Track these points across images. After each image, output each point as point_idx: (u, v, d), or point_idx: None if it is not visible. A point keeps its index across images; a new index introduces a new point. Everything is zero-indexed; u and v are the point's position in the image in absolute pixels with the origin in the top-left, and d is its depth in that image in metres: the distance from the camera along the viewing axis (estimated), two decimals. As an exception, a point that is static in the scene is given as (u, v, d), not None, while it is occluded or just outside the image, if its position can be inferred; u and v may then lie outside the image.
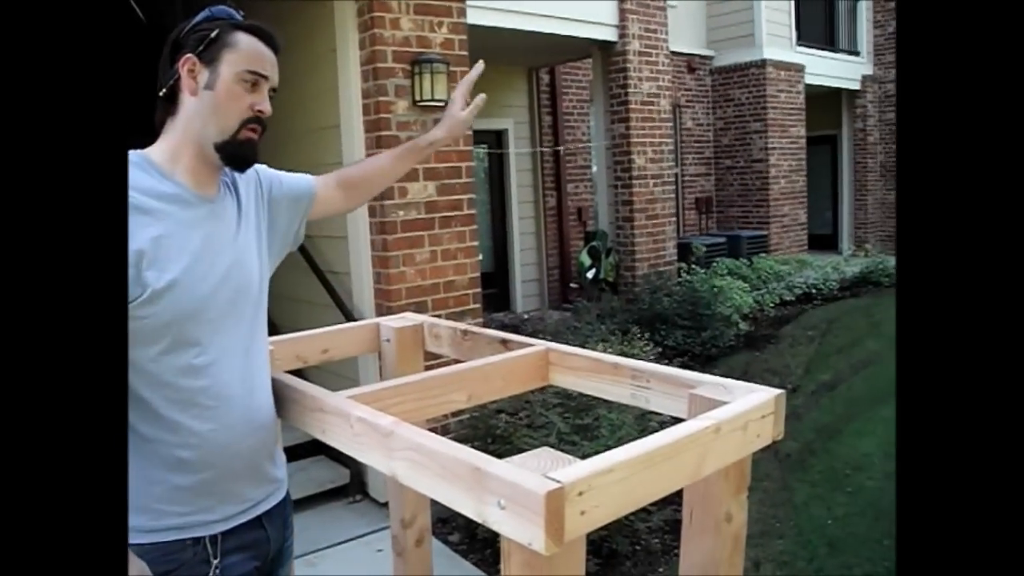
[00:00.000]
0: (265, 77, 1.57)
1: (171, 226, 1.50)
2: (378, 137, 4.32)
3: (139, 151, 1.58)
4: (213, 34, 1.54)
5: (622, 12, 7.64)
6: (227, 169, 1.69)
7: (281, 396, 1.69)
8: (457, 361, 1.97)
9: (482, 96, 1.99)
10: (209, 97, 1.54)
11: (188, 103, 1.55)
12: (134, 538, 1.49)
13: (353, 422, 1.45)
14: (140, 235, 1.44)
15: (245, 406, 1.58)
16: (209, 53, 1.54)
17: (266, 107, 1.58)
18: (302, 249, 4.82)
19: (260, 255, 1.70)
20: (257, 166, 1.80)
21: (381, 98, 4.31)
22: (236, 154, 1.57)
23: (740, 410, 1.41)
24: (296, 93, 4.89)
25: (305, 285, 4.84)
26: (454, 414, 4.07)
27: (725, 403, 1.45)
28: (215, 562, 1.55)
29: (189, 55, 1.54)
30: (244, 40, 1.56)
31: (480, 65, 2.02)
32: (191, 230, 1.53)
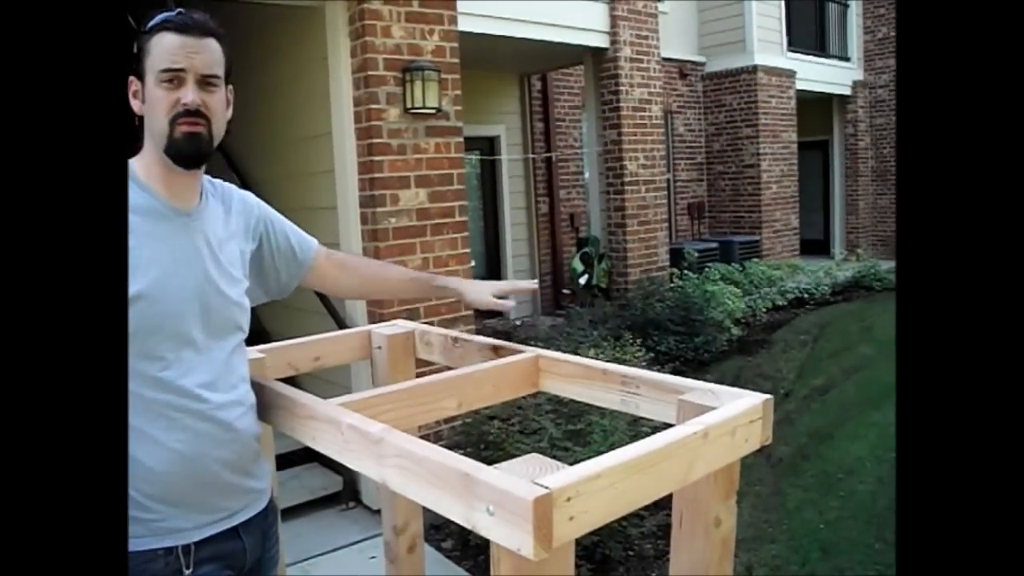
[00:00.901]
0: (181, 69, 1.52)
1: (140, 239, 1.50)
2: (369, 145, 4.33)
3: None
4: (136, 49, 1.54)
5: (613, 19, 7.67)
6: (221, 188, 1.72)
7: (272, 404, 1.69)
8: (448, 368, 1.98)
9: (529, 288, 1.99)
10: (146, 109, 1.56)
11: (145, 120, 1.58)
12: None
13: (344, 429, 1.45)
14: None
15: (215, 419, 1.56)
16: (139, 69, 1.55)
17: (190, 98, 1.52)
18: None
19: (239, 278, 1.69)
20: (260, 203, 1.83)
21: (372, 106, 4.32)
22: (178, 152, 1.54)
23: (728, 415, 1.42)
24: (287, 101, 4.91)
25: (297, 292, 4.81)
26: (446, 420, 4.08)
27: (713, 408, 1.46)
28: (187, 572, 1.53)
29: (131, 77, 1.56)
30: (156, 42, 1.53)
31: (534, 283, 2.03)
32: (161, 243, 1.54)
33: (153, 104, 1.53)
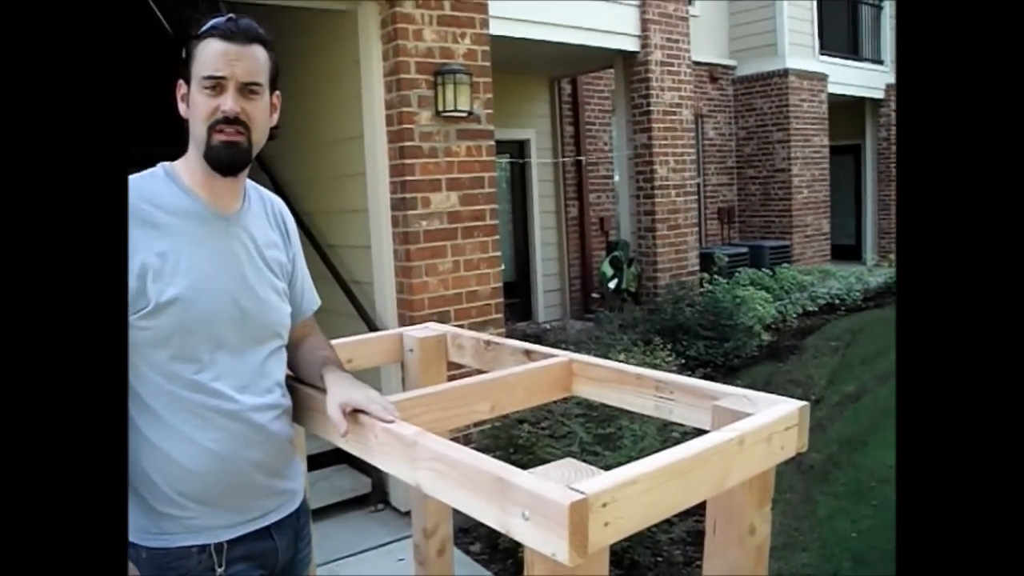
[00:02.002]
0: (223, 77, 1.53)
1: (180, 241, 1.53)
2: (401, 147, 4.34)
3: (168, 163, 1.63)
4: (184, 54, 1.56)
5: (644, 22, 7.65)
6: (268, 198, 1.75)
7: (306, 406, 1.70)
8: (480, 372, 1.98)
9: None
10: (189, 113, 1.57)
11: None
12: (141, 540, 1.52)
13: (377, 432, 1.46)
14: (147, 248, 1.49)
15: (248, 421, 1.58)
16: (187, 73, 1.56)
17: (229, 106, 1.53)
18: (325, 259, 4.87)
19: (278, 284, 1.70)
20: (296, 237, 1.80)
21: (404, 109, 4.33)
22: (215, 159, 1.56)
23: (764, 422, 1.41)
24: (319, 103, 4.95)
25: (328, 294, 4.84)
26: (476, 424, 4.08)
27: (749, 415, 1.45)
28: (219, 570, 1.56)
29: (179, 80, 1.58)
30: (201, 48, 1.54)
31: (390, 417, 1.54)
32: (201, 246, 1.56)
33: (194, 110, 1.55)
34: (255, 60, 1.56)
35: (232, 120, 1.53)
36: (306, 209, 5.15)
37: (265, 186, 1.81)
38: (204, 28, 1.56)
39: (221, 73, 1.52)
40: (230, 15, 1.56)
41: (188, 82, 1.56)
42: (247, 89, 1.55)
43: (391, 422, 1.46)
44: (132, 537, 1.51)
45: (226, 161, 1.56)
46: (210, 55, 1.53)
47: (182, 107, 1.59)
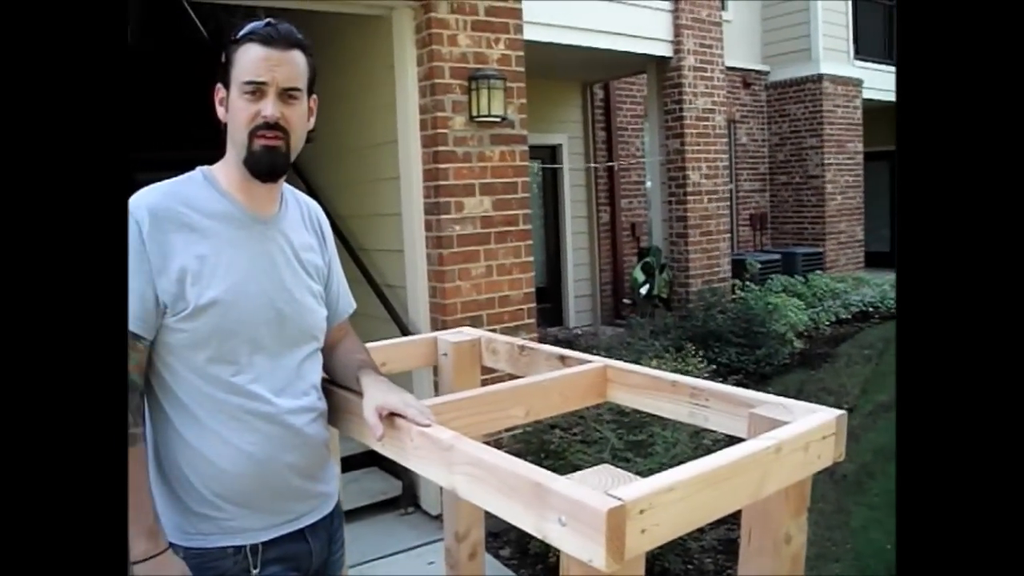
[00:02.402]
0: (263, 83, 1.53)
1: (219, 244, 1.54)
2: (435, 152, 4.36)
3: (205, 167, 1.64)
4: (223, 58, 1.57)
5: (677, 27, 7.63)
6: (305, 202, 1.76)
7: (341, 408, 1.71)
8: (513, 376, 1.98)
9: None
10: (228, 118, 1.58)
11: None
12: (179, 540, 1.54)
13: (413, 435, 1.46)
14: (186, 252, 1.50)
15: (285, 424, 1.59)
16: (226, 78, 1.57)
17: (270, 111, 1.53)
18: (358, 262, 4.90)
19: (315, 287, 1.71)
20: (332, 242, 1.82)
21: (438, 113, 4.35)
22: (255, 165, 1.57)
23: (801, 430, 1.40)
24: (354, 108, 4.99)
25: (361, 298, 4.86)
26: (507, 428, 4.08)
27: (786, 423, 1.44)
28: (255, 572, 1.57)
29: (217, 84, 1.59)
30: (241, 53, 1.55)
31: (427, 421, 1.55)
32: (239, 249, 1.57)
33: (235, 115, 1.56)
34: (295, 65, 1.57)
35: (272, 125, 1.54)
36: (340, 213, 5.19)
37: (299, 189, 1.83)
38: (243, 33, 1.56)
39: (262, 79, 1.53)
40: (269, 20, 1.57)
41: (227, 87, 1.57)
42: (287, 94, 1.56)
43: (427, 426, 1.47)
44: (170, 537, 1.52)
45: (266, 166, 1.57)
46: (250, 60, 1.54)
47: (220, 111, 1.60)
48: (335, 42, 5.09)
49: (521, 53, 4.67)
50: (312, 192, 5.21)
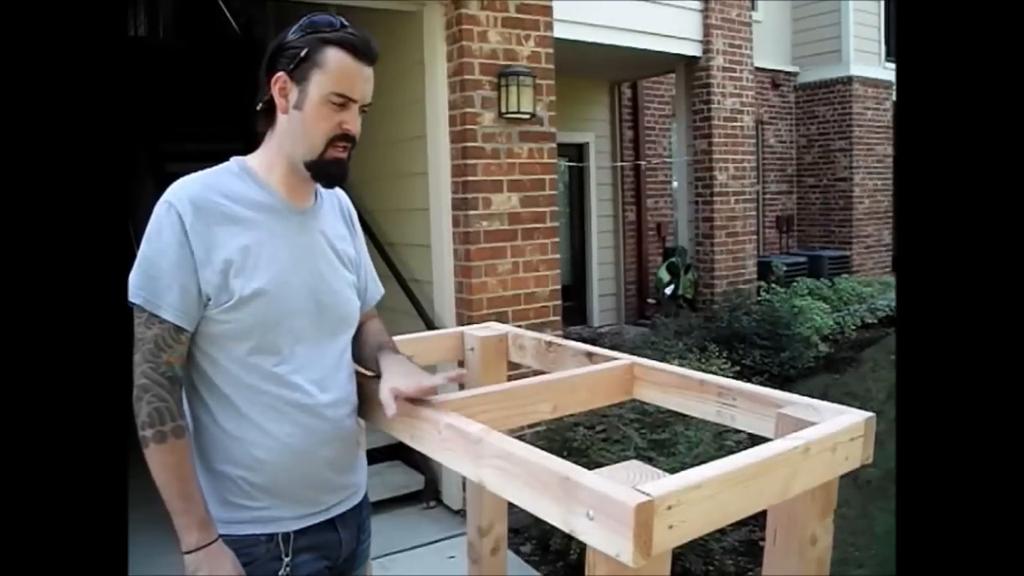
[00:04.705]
0: (354, 100, 1.55)
1: (261, 235, 1.55)
2: (463, 148, 4.38)
3: (240, 158, 1.64)
4: (303, 52, 1.53)
5: (707, 27, 7.60)
6: (339, 195, 1.78)
7: (370, 400, 1.72)
8: (539, 372, 1.98)
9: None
10: (298, 117, 1.55)
11: (281, 120, 1.58)
12: None
13: (442, 428, 1.47)
14: (230, 244, 1.51)
15: (323, 416, 1.60)
16: (299, 72, 1.53)
17: (354, 126, 1.56)
18: (385, 257, 4.92)
19: (350, 276, 1.73)
20: (360, 229, 1.84)
21: (468, 109, 4.36)
22: (324, 172, 1.58)
23: (830, 431, 1.39)
24: (383, 103, 4.93)
25: (388, 292, 4.89)
26: (531, 424, 4.09)
27: (814, 424, 1.44)
28: (286, 560, 1.58)
29: (280, 73, 1.55)
30: (333, 58, 1.52)
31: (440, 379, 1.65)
32: (280, 240, 1.58)
33: (314, 120, 1.54)
34: (372, 82, 1.59)
35: (350, 138, 1.57)
36: (368, 207, 5.21)
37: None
38: (329, 35, 1.54)
39: (355, 96, 1.55)
40: (350, 28, 1.57)
41: (297, 82, 1.54)
42: (363, 109, 1.58)
43: (433, 389, 1.53)
44: None
45: (338, 176, 1.60)
46: (343, 72, 1.53)
47: (280, 102, 1.56)
48: (365, 37, 5.06)
49: (551, 50, 4.67)
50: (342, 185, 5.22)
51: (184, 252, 1.47)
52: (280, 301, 1.54)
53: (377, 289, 1.90)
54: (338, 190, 1.82)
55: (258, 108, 1.61)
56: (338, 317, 1.67)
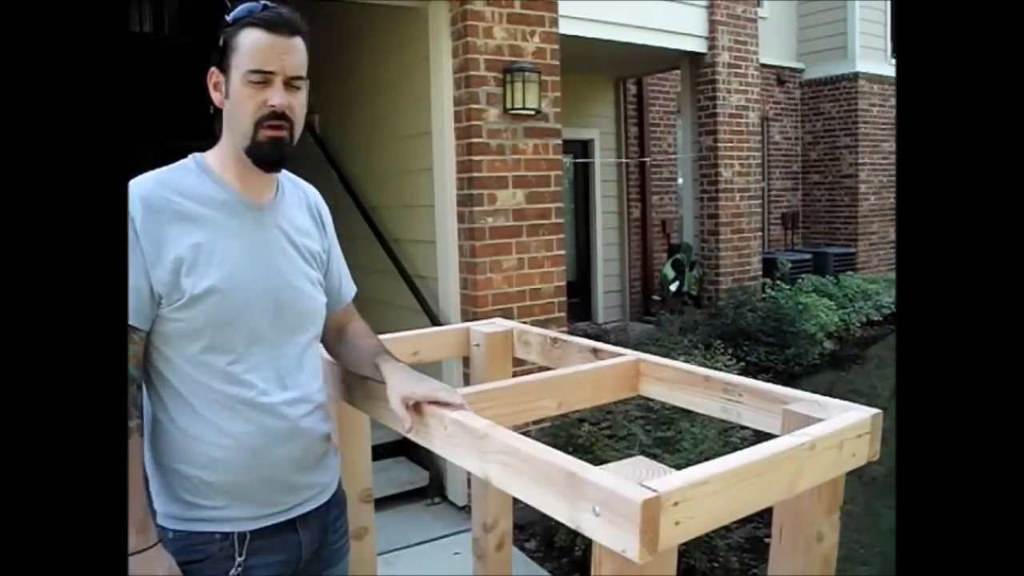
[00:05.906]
0: (272, 72, 1.50)
1: (214, 233, 1.52)
2: (469, 144, 4.37)
3: (198, 155, 1.62)
4: (221, 41, 1.52)
5: (712, 23, 7.57)
6: (303, 188, 1.74)
7: (375, 396, 1.72)
8: (545, 368, 1.98)
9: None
10: (228, 105, 1.55)
11: (223, 113, 1.58)
12: (167, 523, 1.54)
13: (447, 424, 1.47)
14: (181, 242, 1.48)
15: (280, 415, 1.57)
16: (224, 62, 1.53)
17: (279, 100, 1.50)
18: (390, 253, 4.92)
19: (313, 274, 1.69)
20: (332, 228, 1.81)
21: (473, 106, 4.36)
22: (260, 155, 1.54)
23: (836, 428, 1.39)
24: (389, 99, 5.00)
25: (392, 289, 4.92)
26: (535, 421, 4.09)
27: (820, 420, 1.44)
28: (239, 559, 1.55)
29: (212, 69, 1.55)
30: (246, 39, 1.50)
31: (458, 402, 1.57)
32: (233, 238, 1.55)
33: (239, 103, 1.52)
34: (299, 53, 1.54)
35: (279, 115, 1.52)
36: (372, 203, 5.22)
37: (332, 180, 1.82)
38: (240, 15, 1.52)
39: (271, 68, 1.50)
40: (265, 3, 1.53)
41: (224, 71, 1.54)
42: (291, 83, 1.53)
43: (461, 406, 1.48)
44: (159, 521, 1.53)
45: (273, 158, 1.56)
46: (256, 47, 1.50)
47: (216, 96, 1.57)
48: (370, 33, 5.10)
49: (556, 47, 4.66)
50: (345, 182, 5.26)
51: (135, 252, 1.44)
52: (233, 299, 1.51)
53: (351, 286, 1.87)
54: (309, 187, 1.80)
55: (211, 111, 1.60)
56: (298, 314, 1.63)
